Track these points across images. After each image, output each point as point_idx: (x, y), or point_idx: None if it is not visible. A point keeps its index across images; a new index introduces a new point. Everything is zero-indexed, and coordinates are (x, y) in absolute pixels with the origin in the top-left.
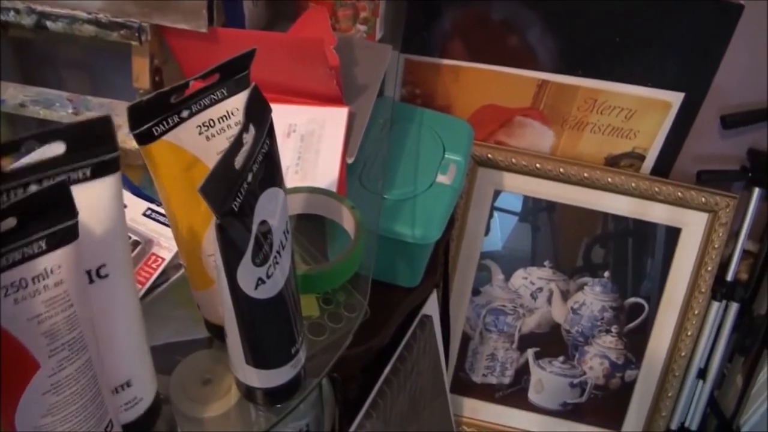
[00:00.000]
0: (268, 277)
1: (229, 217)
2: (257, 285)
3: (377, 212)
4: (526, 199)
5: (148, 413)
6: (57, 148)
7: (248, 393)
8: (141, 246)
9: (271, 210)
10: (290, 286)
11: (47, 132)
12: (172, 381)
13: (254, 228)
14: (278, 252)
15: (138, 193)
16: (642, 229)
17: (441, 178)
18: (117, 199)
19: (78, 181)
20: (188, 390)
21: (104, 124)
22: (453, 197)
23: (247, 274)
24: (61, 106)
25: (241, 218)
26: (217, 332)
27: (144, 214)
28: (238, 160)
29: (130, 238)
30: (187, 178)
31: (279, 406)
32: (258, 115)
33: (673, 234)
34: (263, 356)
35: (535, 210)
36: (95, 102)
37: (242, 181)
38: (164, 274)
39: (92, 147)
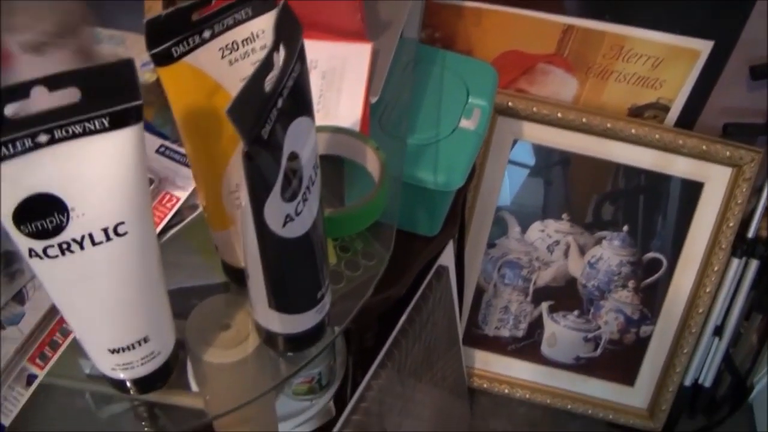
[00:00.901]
0: (297, 214)
1: (257, 146)
2: (285, 222)
3: (400, 157)
4: (539, 153)
5: (166, 365)
6: (71, 95)
7: (269, 339)
8: (155, 184)
9: (302, 142)
10: (318, 226)
11: (59, 75)
12: (188, 326)
13: (284, 160)
14: (308, 188)
15: (150, 129)
16: (662, 183)
17: (465, 123)
18: (139, 151)
19: (95, 131)
20: (205, 335)
21: (125, 68)
22: (477, 143)
23: (275, 210)
24: None
25: (271, 147)
26: (236, 275)
27: (157, 152)
28: (268, 83)
29: None
30: (209, 107)
31: (299, 353)
32: (289, 34)
33: (695, 189)
34: (288, 300)
35: (548, 164)
36: (105, 34)
37: (272, 107)
38: (179, 215)
39: (112, 93)
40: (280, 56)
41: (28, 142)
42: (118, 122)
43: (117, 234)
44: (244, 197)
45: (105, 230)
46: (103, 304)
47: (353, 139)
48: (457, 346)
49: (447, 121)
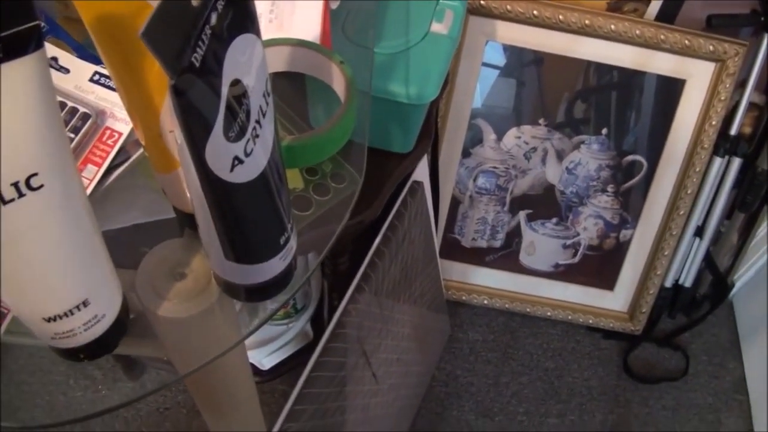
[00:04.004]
0: (247, 154)
1: (188, 75)
2: (233, 166)
3: (368, 69)
4: (511, 52)
5: (114, 327)
6: None
7: (229, 289)
8: (92, 119)
9: (246, 65)
10: (275, 164)
11: None
12: (139, 278)
13: (224, 90)
14: (257, 122)
15: (83, 54)
16: (635, 78)
17: (436, 27)
18: (44, 85)
19: None
20: (159, 287)
21: None
22: (450, 49)
23: (218, 152)
24: None
25: (206, 76)
26: (190, 221)
27: (92, 80)
28: None
29: (77, 110)
30: (134, 29)
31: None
32: None
33: (676, 87)
34: (246, 250)
35: (521, 64)
36: None
37: (204, 24)
38: (123, 152)
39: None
40: None
41: None
42: (11, 50)
43: (30, 188)
44: (180, 139)
45: (15, 185)
46: (28, 270)
47: (314, 53)
48: (434, 261)
49: (417, 26)
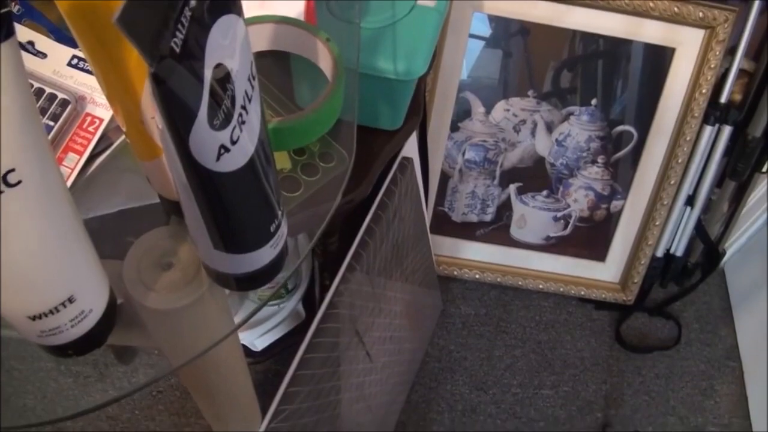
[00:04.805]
0: (233, 142)
1: (168, 61)
2: (219, 155)
3: (356, 45)
4: (497, 23)
5: (102, 321)
6: None
7: (219, 279)
8: (71, 106)
9: (229, 48)
10: (262, 149)
11: None
12: (126, 269)
13: (207, 75)
14: (243, 107)
15: (59, 36)
16: (621, 46)
17: (423, 0)
18: (17, 76)
19: None
20: (146, 278)
21: None
22: (438, 22)
23: (203, 141)
24: None
25: (187, 61)
26: (175, 208)
27: (70, 64)
28: None
29: (56, 96)
30: (110, 13)
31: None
32: None
33: (665, 55)
34: (236, 240)
35: (507, 34)
36: None
37: (183, 6)
38: (105, 138)
39: None
40: None
41: None
42: None
43: (8, 184)
44: (163, 129)
45: None
46: (9, 269)
47: (299, 30)
48: (425, 238)
49: None
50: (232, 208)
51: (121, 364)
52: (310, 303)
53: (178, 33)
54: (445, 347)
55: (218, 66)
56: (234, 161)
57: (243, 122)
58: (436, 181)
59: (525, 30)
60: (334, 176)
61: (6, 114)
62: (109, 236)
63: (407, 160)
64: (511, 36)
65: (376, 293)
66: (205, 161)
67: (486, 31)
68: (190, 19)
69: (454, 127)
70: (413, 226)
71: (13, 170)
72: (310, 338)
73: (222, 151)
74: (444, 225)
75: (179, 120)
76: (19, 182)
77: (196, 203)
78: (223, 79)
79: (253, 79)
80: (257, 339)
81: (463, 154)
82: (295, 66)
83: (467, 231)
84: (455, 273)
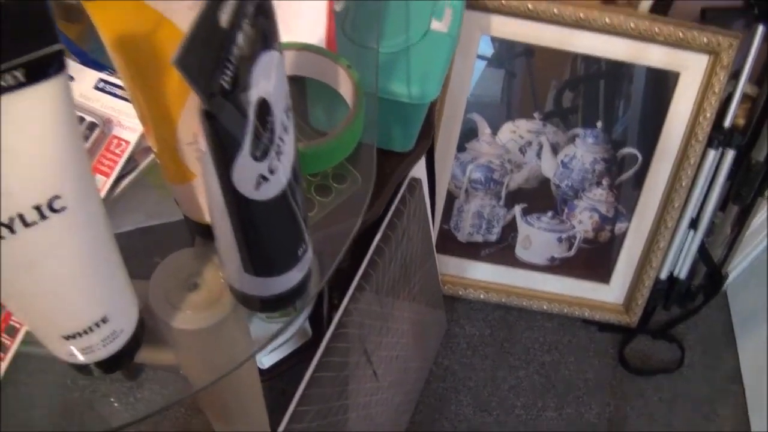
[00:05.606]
0: (271, 172)
1: (218, 99)
2: (258, 184)
3: (373, 70)
4: (500, 43)
5: (131, 341)
6: None
7: (245, 301)
8: (99, 128)
9: (269, 83)
10: (295, 177)
11: None
12: (152, 289)
13: (252, 110)
14: (281, 138)
15: (85, 59)
16: (628, 71)
17: (436, 25)
18: (66, 107)
19: (8, 89)
20: (173, 298)
21: (35, 2)
22: (450, 47)
23: (245, 171)
24: None
25: (235, 98)
26: (202, 231)
27: (97, 87)
28: (224, 15)
29: (83, 120)
30: (151, 45)
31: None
32: None
33: (670, 79)
34: (265, 263)
35: (510, 55)
36: None
37: (231, 45)
38: (131, 161)
39: (22, 37)
40: None
41: None
42: (35, 74)
43: (53, 210)
44: (207, 160)
45: (38, 208)
46: (49, 290)
47: (320, 57)
48: (432, 257)
49: (416, 24)
50: (266, 233)
51: (127, 379)
52: (317, 322)
53: (226, 71)
54: (450, 367)
55: (260, 100)
56: (271, 190)
57: (280, 153)
58: (443, 201)
59: (529, 51)
60: (347, 197)
61: (53, 142)
62: (134, 254)
63: (416, 181)
64: (515, 57)
65: (384, 312)
66: (245, 190)
67: (489, 50)
68: (238, 58)
69: (461, 148)
70: (421, 245)
71: (58, 197)
72: (319, 357)
73: (261, 180)
74: (449, 244)
75: (225, 152)
76: (64, 208)
77: (232, 228)
78: (265, 112)
79: (289, 110)
80: (264, 357)
81: (470, 174)
82: (311, 89)
83: (472, 251)
84: (460, 293)
